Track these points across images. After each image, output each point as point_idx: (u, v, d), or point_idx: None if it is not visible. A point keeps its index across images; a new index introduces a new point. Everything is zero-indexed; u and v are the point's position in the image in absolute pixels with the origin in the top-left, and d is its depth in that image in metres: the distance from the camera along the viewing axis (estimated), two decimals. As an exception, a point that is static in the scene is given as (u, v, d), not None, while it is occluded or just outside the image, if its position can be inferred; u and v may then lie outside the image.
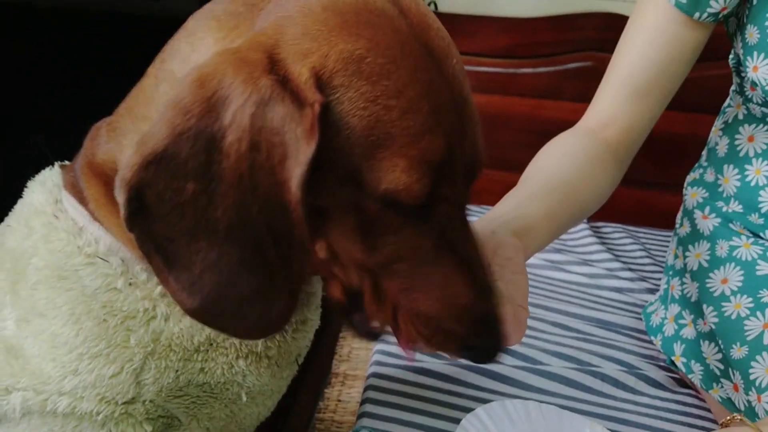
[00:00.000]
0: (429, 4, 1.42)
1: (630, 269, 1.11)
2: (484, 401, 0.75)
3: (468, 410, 0.73)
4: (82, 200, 0.48)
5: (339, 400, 0.82)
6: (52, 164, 0.52)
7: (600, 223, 1.31)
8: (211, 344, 0.48)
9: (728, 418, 0.61)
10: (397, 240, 0.42)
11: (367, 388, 0.77)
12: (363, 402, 0.75)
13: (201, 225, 0.38)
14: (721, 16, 0.74)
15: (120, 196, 0.38)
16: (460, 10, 1.45)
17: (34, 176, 0.52)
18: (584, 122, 0.79)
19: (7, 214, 0.52)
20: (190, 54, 0.44)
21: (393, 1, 0.42)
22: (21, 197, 0.51)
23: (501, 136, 1.39)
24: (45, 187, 0.50)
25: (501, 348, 0.46)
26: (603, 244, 1.20)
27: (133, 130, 0.46)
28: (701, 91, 1.26)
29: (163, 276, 0.40)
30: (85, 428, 0.47)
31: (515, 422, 0.60)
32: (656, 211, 1.30)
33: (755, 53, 0.73)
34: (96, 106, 0.58)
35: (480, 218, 0.64)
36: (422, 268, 0.43)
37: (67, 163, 0.53)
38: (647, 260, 1.16)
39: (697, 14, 0.73)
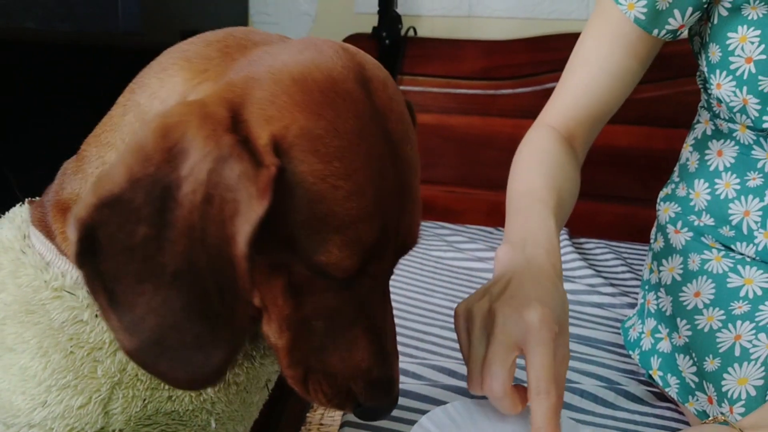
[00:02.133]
0: (408, 30, 1.45)
1: (612, 284, 1.12)
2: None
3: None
4: (49, 235, 0.49)
5: (321, 424, 0.83)
6: (22, 201, 0.53)
7: (582, 239, 1.32)
8: None
9: (711, 418, 0.61)
10: (319, 300, 0.44)
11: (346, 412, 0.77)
12: (342, 426, 0.75)
13: (148, 268, 0.39)
14: (680, 33, 0.76)
15: (72, 234, 0.39)
16: (439, 34, 1.48)
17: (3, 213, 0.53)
18: (550, 123, 0.81)
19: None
20: (158, 89, 0.45)
21: (361, 82, 0.43)
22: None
23: (483, 157, 1.41)
24: (14, 224, 0.50)
25: (390, 410, 0.48)
26: (585, 260, 1.21)
27: (98, 156, 0.48)
28: (678, 107, 1.29)
29: (106, 314, 0.40)
30: (54, 459, 0.48)
31: (460, 425, 0.59)
32: (637, 225, 1.31)
33: (718, 71, 0.75)
34: (68, 141, 0.59)
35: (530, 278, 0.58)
36: (336, 330, 0.45)
37: (36, 198, 0.54)
38: (629, 275, 1.17)
39: (656, 31, 0.75)
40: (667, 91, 1.32)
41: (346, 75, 0.42)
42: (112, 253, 0.39)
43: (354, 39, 1.46)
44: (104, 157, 0.47)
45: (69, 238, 0.41)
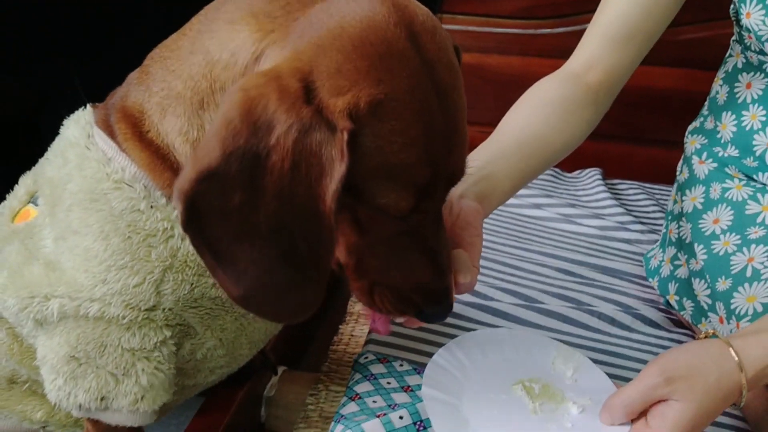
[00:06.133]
0: (449, -32, 1.45)
1: (641, 222, 1.14)
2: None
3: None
4: (111, 134, 0.55)
5: (352, 335, 0.89)
6: (85, 105, 0.59)
7: (616, 180, 1.34)
8: None
9: (702, 334, 0.65)
10: (381, 230, 0.51)
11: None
12: (370, 331, 0.81)
13: (245, 228, 0.45)
14: None
15: (178, 205, 0.45)
16: (480, -27, 1.47)
17: (68, 115, 0.59)
18: (569, 66, 0.81)
19: (44, 149, 0.59)
20: (227, 41, 0.50)
21: (412, 38, 0.47)
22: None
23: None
24: (79, 124, 0.57)
25: (446, 314, 0.56)
26: (617, 198, 1.23)
27: (162, 79, 0.53)
28: (717, 49, 1.26)
29: (212, 269, 0.47)
30: (112, 331, 0.55)
31: (486, 351, 0.64)
32: (673, 167, 1.32)
33: (748, 0, 0.76)
34: (121, 48, 0.62)
35: None
36: (398, 252, 0.52)
37: (97, 104, 0.60)
38: (659, 214, 1.18)
39: None
40: (706, 33, 1.30)
41: (398, 34, 0.47)
42: (212, 218, 0.45)
43: (396, -21, 1.47)
44: (170, 84, 0.52)
45: (142, 137, 0.51)
